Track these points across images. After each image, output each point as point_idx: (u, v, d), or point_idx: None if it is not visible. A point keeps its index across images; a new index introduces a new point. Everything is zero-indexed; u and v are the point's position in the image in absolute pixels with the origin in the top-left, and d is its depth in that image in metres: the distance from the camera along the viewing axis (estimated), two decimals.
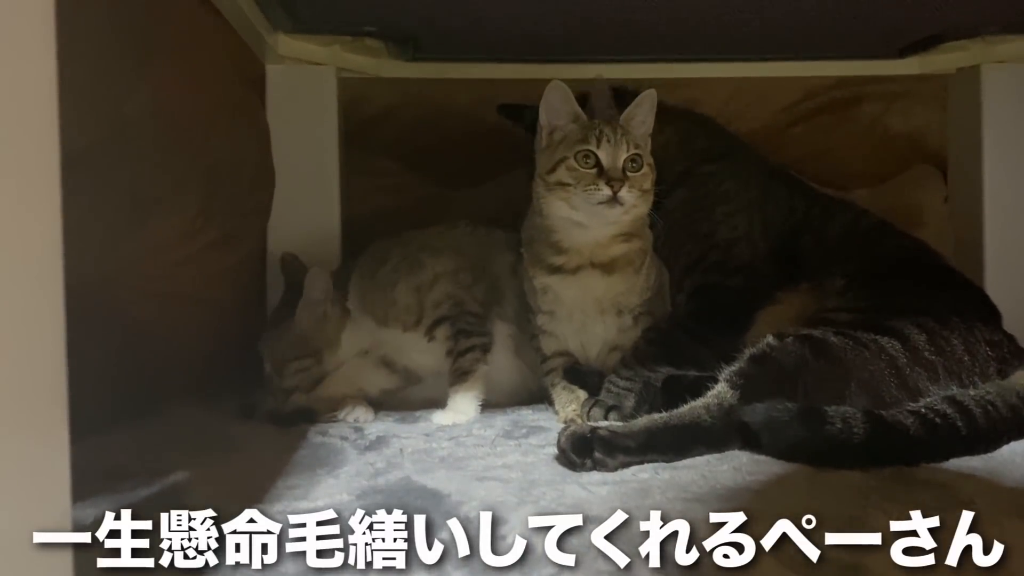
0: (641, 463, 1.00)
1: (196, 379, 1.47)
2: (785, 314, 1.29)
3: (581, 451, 0.99)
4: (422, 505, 0.83)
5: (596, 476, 0.94)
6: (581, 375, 1.36)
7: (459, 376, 1.33)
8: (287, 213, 1.65)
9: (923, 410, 1.01)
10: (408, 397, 1.39)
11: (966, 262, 1.76)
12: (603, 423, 1.25)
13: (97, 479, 0.94)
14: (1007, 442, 1.05)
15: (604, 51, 1.68)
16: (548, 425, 1.25)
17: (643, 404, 1.27)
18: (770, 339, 1.13)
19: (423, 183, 1.86)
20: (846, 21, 1.58)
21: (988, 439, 1.02)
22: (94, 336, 1.22)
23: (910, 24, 1.62)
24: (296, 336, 1.33)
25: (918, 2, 1.48)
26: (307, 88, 1.65)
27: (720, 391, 1.08)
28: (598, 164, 1.22)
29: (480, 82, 1.79)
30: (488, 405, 1.34)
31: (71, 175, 0.88)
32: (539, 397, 1.41)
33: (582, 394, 1.33)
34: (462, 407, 1.30)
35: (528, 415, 1.34)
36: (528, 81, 1.76)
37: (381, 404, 1.37)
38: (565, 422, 1.27)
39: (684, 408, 1.07)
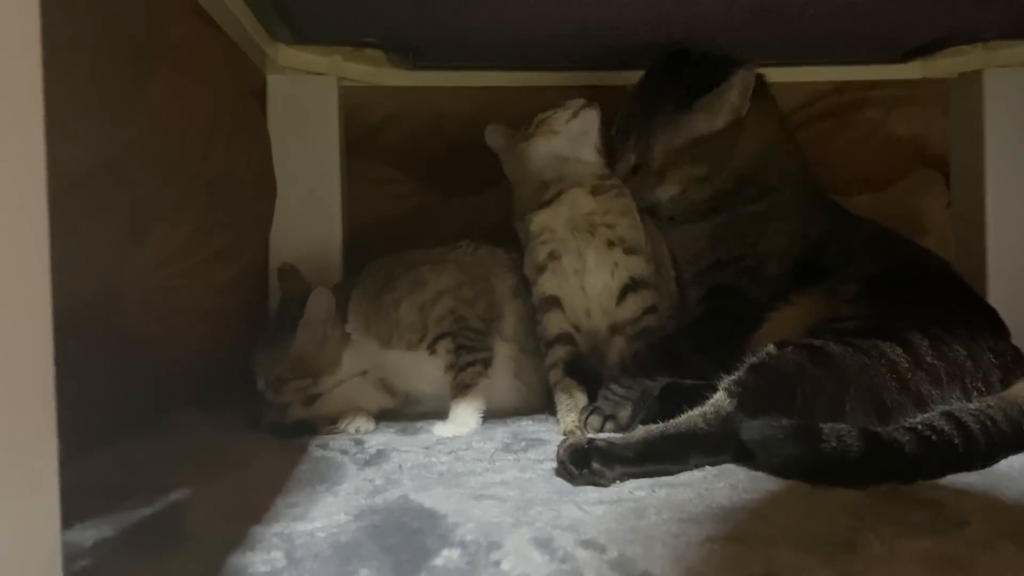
0: (639, 474, 1.01)
1: (199, 390, 1.48)
2: (796, 316, 1.30)
3: (579, 462, 0.99)
4: (418, 527, 0.84)
5: (593, 494, 0.95)
6: (583, 373, 1.37)
7: (461, 389, 1.33)
8: (289, 223, 1.66)
9: (919, 426, 1.01)
10: (408, 412, 1.40)
11: (968, 267, 1.76)
12: (602, 434, 1.26)
13: (98, 498, 0.95)
14: (1006, 456, 1.05)
15: (606, 59, 1.68)
16: (548, 437, 1.26)
17: (639, 413, 1.28)
18: (771, 348, 1.13)
19: (426, 190, 1.86)
20: (848, 27, 1.57)
21: (986, 455, 1.02)
22: (96, 351, 1.23)
23: (911, 30, 1.62)
24: (295, 357, 1.33)
25: (919, 8, 1.47)
26: (308, 98, 1.65)
27: (718, 399, 1.09)
28: None
29: (482, 90, 1.79)
30: (488, 416, 1.34)
31: (69, 200, 0.90)
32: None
33: (581, 400, 1.34)
34: (463, 419, 1.31)
35: (528, 426, 1.34)
36: (531, 89, 1.78)
37: (381, 417, 1.38)
38: (565, 434, 1.28)
39: (681, 418, 1.08)
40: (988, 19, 1.55)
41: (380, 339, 1.36)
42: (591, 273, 1.39)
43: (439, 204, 1.86)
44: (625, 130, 1.46)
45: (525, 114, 1.80)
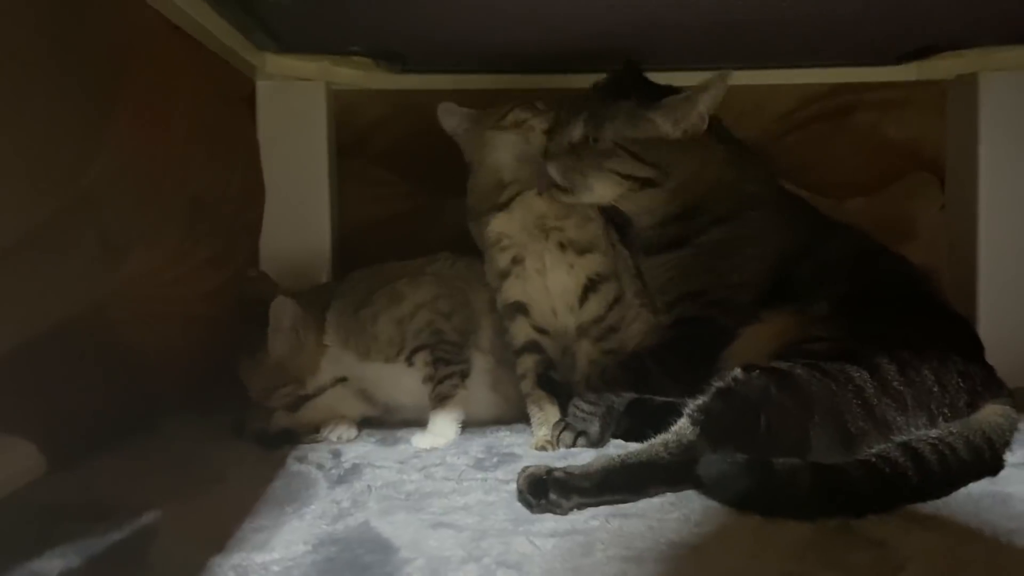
0: (597, 503, 1.03)
1: (190, 394, 1.52)
2: (767, 333, 1.30)
3: (537, 492, 1.02)
4: (370, 562, 0.86)
5: (549, 524, 0.97)
6: (555, 386, 1.40)
7: (439, 400, 1.36)
8: (278, 227, 1.68)
9: (873, 459, 1.02)
10: (390, 420, 1.43)
11: (960, 270, 1.76)
12: (575, 449, 1.28)
13: (74, 519, 0.99)
14: (965, 484, 1.06)
15: (594, 62, 1.67)
16: (521, 452, 1.28)
17: (607, 428, 1.31)
18: (737, 372, 1.14)
19: (416, 192, 1.87)
20: (841, 31, 1.56)
21: (941, 485, 1.03)
22: (85, 362, 1.27)
23: (902, 36, 1.60)
24: (274, 365, 1.36)
25: (911, 17, 1.45)
26: (297, 103, 1.67)
27: (681, 427, 1.10)
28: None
29: (470, 92, 1.78)
30: (466, 425, 1.37)
31: (37, 237, 0.92)
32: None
33: (552, 413, 1.36)
34: (442, 429, 1.34)
35: (504, 438, 1.36)
36: (518, 91, 1.77)
37: (365, 424, 1.42)
38: (537, 448, 1.30)
39: (643, 446, 1.10)
40: (980, 27, 1.53)
41: (358, 352, 1.38)
42: (551, 272, 1.40)
43: (430, 206, 1.87)
44: (577, 108, 1.38)
45: None
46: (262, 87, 1.64)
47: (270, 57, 1.59)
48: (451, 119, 1.47)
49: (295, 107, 1.67)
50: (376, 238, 1.83)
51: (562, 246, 1.40)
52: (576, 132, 1.35)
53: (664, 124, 1.35)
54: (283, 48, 1.54)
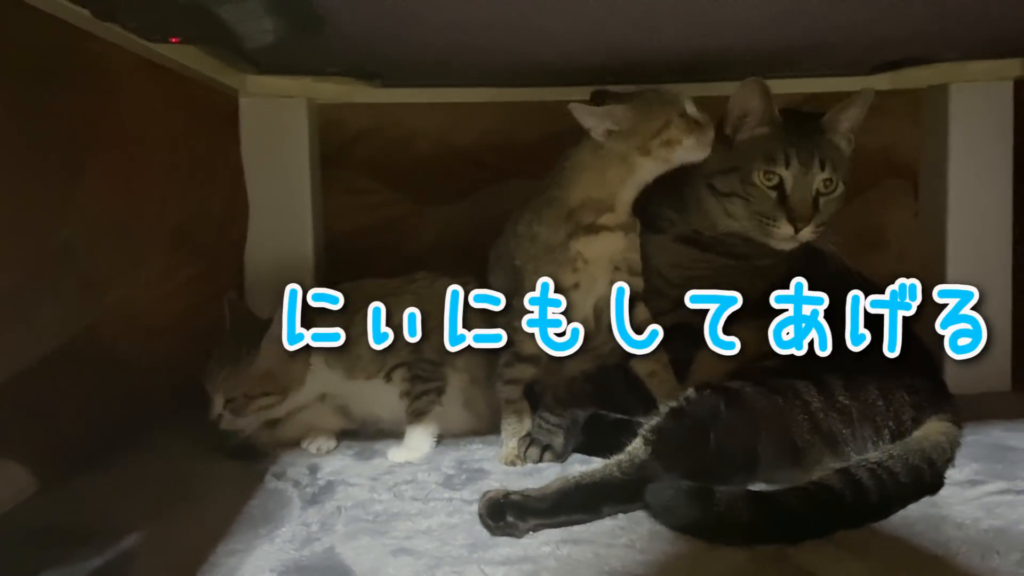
0: (553, 525, 1.09)
1: (177, 407, 1.56)
2: None
3: (496, 515, 1.08)
4: None
5: (504, 551, 1.02)
6: (533, 398, 1.43)
7: (415, 416, 1.42)
8: (262, 239, 1.72)
9: (811, 487, 1.07)
10: (367, 431, 1.49)
11: (931, 277, 1.79)
12: (541, 464, 1.34)
13: (59, 542, 1.05)
14: (902, 508, 1.11)
15: (574, 77, 1.70)
16: (491, 467, 1.33)
17: (571, 441, 1.36)
18: (690, 392, 1.21)
19: (401, 201, 1.92)
20: (811, 48, 1.59)
21: (879, 510, 1.09)
22: (78, 380, 1.32)
23: (875, 51, 1.63)
24: (261, 372, 1.39)
25: (877, 39, 1.49)
26: (279, 119, 1.70)
27: (634, 447, 1.16)
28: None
29: (451, 105, 1.83)
30: (440, 438, 1.44)
31: (10, 298, 0.97)
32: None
33: (527, 424, 1.40)
34: (417, 444, 1.40)
35: (477, 451, 1.41)
36: (499, 104, 1.82)
37: (344, 435, 1.48)
38: (505, 463, 1.35)
39: (598, 466, 1.16)
40: (947, 46, 1.56)
41: (344, 370, 1.43)
42: (595, 294, 1.41)
43: (414, 214, 1.92)
44: (796, 150, 1.40)
45: (495, 129, 1.86)
46: (244, 105, 1.69)
47: (251, 78, 1.63)
48: (589, 120, 1.36)
49: (278, 123, 1.71)
50: (361, 245, 1.89)
51: (617, 268, 1.41)
52: (816, 180, 1.40)
53: (847, 148, 1.45)
54: (264, 71, 1.58)
